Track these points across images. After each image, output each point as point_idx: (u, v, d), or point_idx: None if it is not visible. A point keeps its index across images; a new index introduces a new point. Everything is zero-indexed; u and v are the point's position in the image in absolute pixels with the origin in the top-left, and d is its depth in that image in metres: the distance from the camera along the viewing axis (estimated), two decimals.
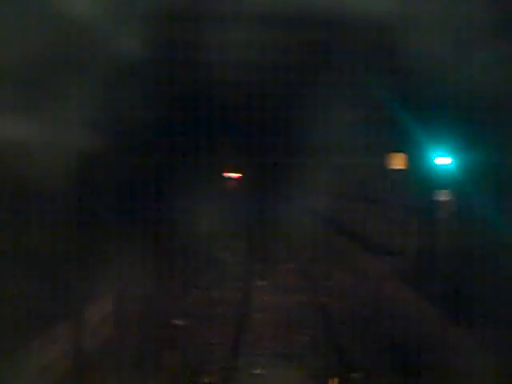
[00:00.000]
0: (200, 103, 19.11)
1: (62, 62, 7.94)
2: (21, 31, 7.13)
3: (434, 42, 11.27)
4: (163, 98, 14.56)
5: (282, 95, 18.13)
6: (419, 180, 18.08)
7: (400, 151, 19.95)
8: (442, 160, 14.85)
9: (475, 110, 13.65)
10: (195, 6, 10.73)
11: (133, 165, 12.42)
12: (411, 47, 11.68)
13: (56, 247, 8.11)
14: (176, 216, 17.35)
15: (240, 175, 47.13)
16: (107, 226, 10.70)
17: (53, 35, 7.38)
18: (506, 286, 11.64)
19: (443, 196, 15.03)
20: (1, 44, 6.67)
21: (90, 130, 9.34)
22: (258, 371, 12.67)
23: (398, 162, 20.12)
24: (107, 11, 8.61)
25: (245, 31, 11.54)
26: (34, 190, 7.26)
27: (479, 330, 10.89)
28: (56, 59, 7.65)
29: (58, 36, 7.61)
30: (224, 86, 16.95)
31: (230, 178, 47.14)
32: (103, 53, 9.23)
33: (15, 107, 7.10)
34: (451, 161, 14.63)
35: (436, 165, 15.05)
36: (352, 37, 11.60)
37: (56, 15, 7.40)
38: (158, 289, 14.62)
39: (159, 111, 14.52)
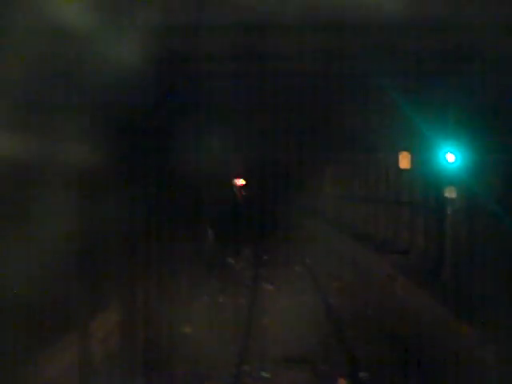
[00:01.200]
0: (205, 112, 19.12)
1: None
2: None
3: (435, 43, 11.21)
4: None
5: (288, 97, 18.03)
6: (426, 178, 17.97)
7: (407, 150, 19.82)
8: (449, 157, 14.73)
9: (479, 107, 13.55)
10: None
11: (145, 175, 12.40)
12: (416, 47, 11.62)
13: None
14: (184, 222, 17.28)
15: (246, 181, 47.09)
16: (113, 233, 10.63)
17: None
18: None
19: (451, 193, 14.90)
20: None
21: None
22: (266, 374, 12.60)
23: (404, 160, 20.00)
24: None
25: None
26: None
27: (486, 329, 10.76)
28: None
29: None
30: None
31: (238, 185, 47.15)
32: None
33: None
34: (455, 158, 14.50)
35: (443, 162, 14.94)
36: (359, 38, 11.51)
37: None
38: (164, 295, 14.54)
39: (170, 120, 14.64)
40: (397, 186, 22.17)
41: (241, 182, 47.73)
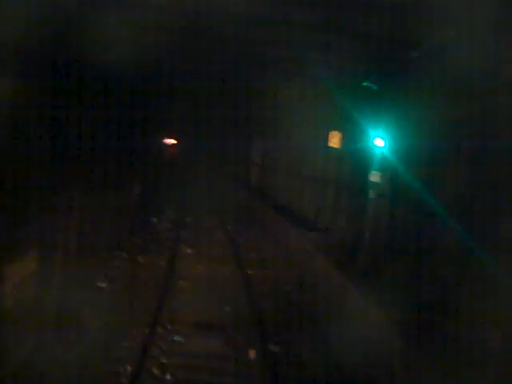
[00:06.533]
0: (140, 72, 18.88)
1: None
2: None
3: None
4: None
5: (224, 70, 17.97)
6: (353, 159, 18.24)
7: (337, 129, 20.06)
8: (378, 142, 15.03)
9: (411, 95, 13.82)
10: None
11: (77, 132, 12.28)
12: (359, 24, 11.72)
13: None
14: (110, 177, 17.17)
15: (177, 142, 46.91)
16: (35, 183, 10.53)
17: None
18: (432, 266, 11.87)
19: (375, 178, 15.22)
20: None
21: None
22: (177, 338, 12.73)
23: (334, 140, 20.23)
24: None
25: None
26: None
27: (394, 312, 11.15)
28: None
29: None
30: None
31: (168, 145, 46.94)
32: None
33: None
34: (384, 144, 14.82)
35: (372, 146, 15.23)
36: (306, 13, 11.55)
37: None
38: (84, 250, 14.50)
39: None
40: (324, 164, 22.42)
41: (171, 141, 47.53)
